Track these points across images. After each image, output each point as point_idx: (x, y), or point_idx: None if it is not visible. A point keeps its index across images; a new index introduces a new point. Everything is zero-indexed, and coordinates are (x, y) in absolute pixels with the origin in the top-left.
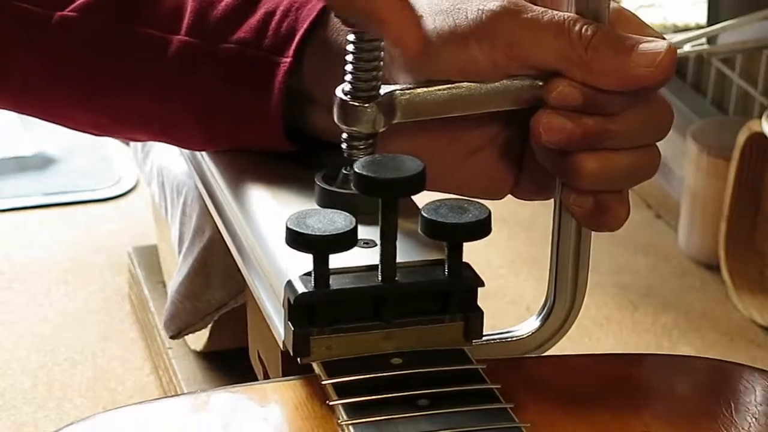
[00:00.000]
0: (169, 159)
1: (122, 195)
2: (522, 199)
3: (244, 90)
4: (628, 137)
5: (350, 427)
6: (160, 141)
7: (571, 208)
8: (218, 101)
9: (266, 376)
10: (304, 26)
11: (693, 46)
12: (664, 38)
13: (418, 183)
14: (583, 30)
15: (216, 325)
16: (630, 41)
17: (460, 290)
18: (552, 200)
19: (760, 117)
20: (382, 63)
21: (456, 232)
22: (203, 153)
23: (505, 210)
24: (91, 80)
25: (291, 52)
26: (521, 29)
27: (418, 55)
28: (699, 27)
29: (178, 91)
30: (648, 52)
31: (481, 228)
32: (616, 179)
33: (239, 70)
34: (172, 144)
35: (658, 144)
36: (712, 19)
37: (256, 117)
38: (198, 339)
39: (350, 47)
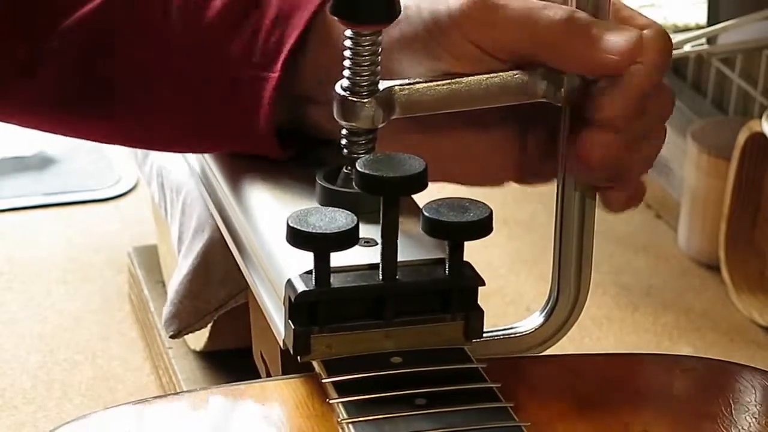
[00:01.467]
0: (168, 159)
1: (122, 195)
2: (523, 184)
3: (235, 108)
4: (644, 130)
5: (350, 425)
6: (155, 150)
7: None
8: (210, 121)
9: (269, 376)
10: (293, 37)
11: (693, 46)
12: (645, 17)
13: (420, 181)
14: (553, 15)
15: (216, 324)
16: (599, 28)
17: (460, 289)
18: (552, 199)
19: (760, 117)
20: (380, 58)
21: (457, 231)
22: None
23: (505, 210)
24: (80, 104)
25: (279, 66)
26: (495, 17)
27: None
28: (699, 27)
29: (170, 111)
30: (614, 41)
31: (482, 227)
32: (633, 167)
33: (229, 89)
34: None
35: None
36: (712, 19)
37: (248, 134)
38: (198, 339)
39: (348, 43)
